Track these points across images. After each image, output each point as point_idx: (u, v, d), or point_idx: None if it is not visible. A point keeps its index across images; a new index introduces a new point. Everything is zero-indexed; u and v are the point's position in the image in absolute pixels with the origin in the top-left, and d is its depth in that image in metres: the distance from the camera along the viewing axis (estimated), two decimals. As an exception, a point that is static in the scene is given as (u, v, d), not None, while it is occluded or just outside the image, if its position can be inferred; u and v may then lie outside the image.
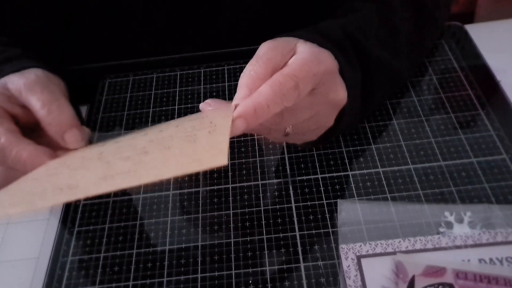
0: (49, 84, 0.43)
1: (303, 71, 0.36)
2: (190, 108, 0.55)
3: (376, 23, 0.47)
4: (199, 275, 0.41)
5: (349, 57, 0.43)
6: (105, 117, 0.55)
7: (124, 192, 0.48)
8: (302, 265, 0.41)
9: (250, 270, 0.41)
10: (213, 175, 0.48)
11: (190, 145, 0.34)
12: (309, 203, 0.45)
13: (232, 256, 0.42)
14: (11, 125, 0.40)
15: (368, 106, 0.47)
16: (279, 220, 0.44)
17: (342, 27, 0.45)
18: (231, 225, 0.44)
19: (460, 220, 0.42)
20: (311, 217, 0.44)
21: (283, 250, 0.42)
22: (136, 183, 0.31)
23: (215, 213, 0.45)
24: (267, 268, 0.41)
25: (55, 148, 0.39)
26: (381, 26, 0.48)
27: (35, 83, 0.42)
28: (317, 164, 0.48)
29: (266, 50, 0.38)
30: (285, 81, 0.35)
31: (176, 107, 0.55)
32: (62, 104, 0.41)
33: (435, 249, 0.40)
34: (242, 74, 0.37)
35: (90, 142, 0.43)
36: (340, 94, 0.41)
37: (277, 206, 0.45)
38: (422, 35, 0.52)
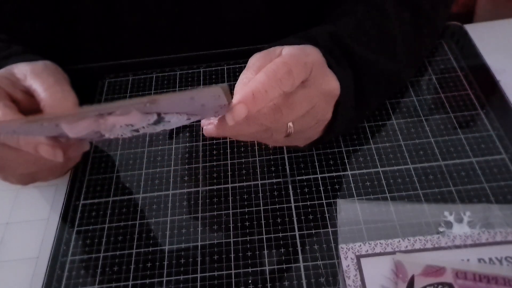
0: (56, 73, 0.43)
1: (293, 59, 0.38)
2: (189, 108, 0.55)
3: (368, 27, 0.48)
4: (198, 275, 0.41)
5: (338, 60, 0.44)
6: (105, 117, 0.55)
7: (124, 192, 0.48)
8: (301, 264, 0.41)
9: (250, 270, 0.41)
10: (212, 175, 0.48)
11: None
12: (308, 203, 0.45)
13: (232, 256, 0.42)
14: (8, 102, 0.40)
15: (364, 107, 0.47)
16: (279, 220, 0.44)
17: (329, 33, 0.46)
18: (231, 225, 0.44)
19: (459, 220, 0.42)
20: (311, 217, 0.44)
21: (282, 250, 0.42)
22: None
23: (215, 213, 0.45)
24: (267, 268, 0.41)
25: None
26: (373, 30, 0.48)
27: (43, 70, 0.42)
28: (316, 164, 0.48)
29: (255, 59, 0.40)
30: (278, 67, 0.36)
31: (176, 107, 0.55)
32: (66, 90, 0.41)
33: (434, 248, 0.40)
34: (236, 84, 0.39)
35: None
36: (332, 83, 0.42)
37: (277, 206, 0.45)
38: (420, 37, 0.52)
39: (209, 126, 0.38)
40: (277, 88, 0.36)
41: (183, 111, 0.36)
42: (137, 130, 0.37)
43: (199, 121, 0.40)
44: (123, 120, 0.34)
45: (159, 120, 0.36)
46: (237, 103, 0.35)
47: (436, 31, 0.55)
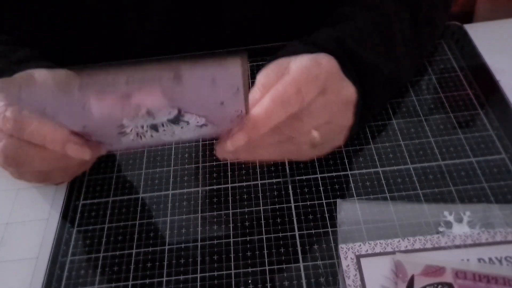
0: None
1: (303, 74, 0.37)
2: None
3: (371, 31, 0.48)
4: (198, 275, 0.41)
5: (345, 66, 0.43)
6: (105, 117, 0.55)
7: (124, 192, 0.48)
8: (301, 264, 0.41)
9: (250, 270, 0.41)
10: (212, 175, 0.48)
11: None
12: (308, 202, 0.45)
13: (232, 256, 0.42)
14: None
15: (368, 112, 0.47)
16: (279, 220, 0.44)
17: (335, 38, 0.45)
18: (231, 225, 0.44)
19: (459, 220, 0.42)
20: (311, 216, 0.44)
21: (282, 250, 0.42)
22: None
23: (215, 213, 0.45)
24: (267, 268, 0.41)
25: None
26: (376, 33, 0.48)
27: (65, 79, 0.41)
28: (316, 164, 0.48)
29: (262, 77, 0.39)
30: (285, 89, 0.36)
31: (176, 107, 0.55)
32: None
33: (434, 248, 0.40)
34: None
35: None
36: (349, 89, 0.42)
37: (277, 206, 0.45)
38: (420, 39, 0.52)
39: (223, 146, 0.38)
40: (283, 112, 0.36)
41: (202, 113, 0.36)
42: (155, 128, 0.37)
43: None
44: (146, 101, 0.34)
45: (178, 117, 0.36)
46: (237, 132, 0.35)
47: (436, 31, 0.55)
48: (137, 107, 0.34)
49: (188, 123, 0.37)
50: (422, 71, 0.56)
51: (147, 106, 0.35)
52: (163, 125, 0.37)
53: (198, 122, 0.37)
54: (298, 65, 0.39)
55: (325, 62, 0.40)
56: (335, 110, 0.40)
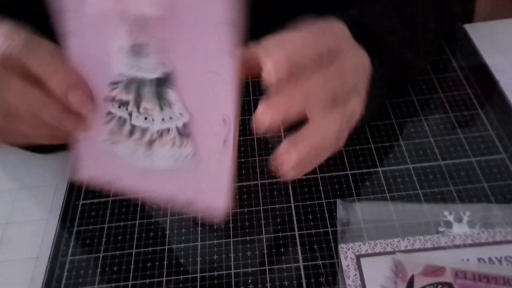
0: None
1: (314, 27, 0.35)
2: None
3: (393, 15, 0.45)
4: (198, 275, 0.41)
5: (362, 42, 0.40)
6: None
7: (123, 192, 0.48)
8: (301, 264, 0.41)
9: (250, 270, 0.41)
10: (212, 175, 0.48)
11: None
12: (308, 202, 0.45)
13: (232, 256, 0.42)
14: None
15: (381, 96, 0.45)
16: (279, 220, 0.44)
17: (355, 18, 0.43)
18: (231, 225, 0.44)
19: (459, 220, 0.42)
20: (311, 216, 0.44)
21: (282, 249, 0.42)
22: None
23: (215, 213, 0.45)
24: (267, 268, 0.41)
25: None
26: (398, 18, 0.46)
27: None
28: (316, 163, 0.48)
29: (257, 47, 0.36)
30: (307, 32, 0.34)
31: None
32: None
33: (434, 248, 0.40)
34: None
35: None
36: (365, 57, 0.39)
37: (277, 206, 0.45)
38: (440, 28, 0.50)
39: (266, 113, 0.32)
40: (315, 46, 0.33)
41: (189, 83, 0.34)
42: (138, 105, 0.35)
43: None
44: None
45: (165, 82, 0.34)
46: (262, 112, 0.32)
47: (453, 19, 0.54)
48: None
49: (171, 106, 0.35)
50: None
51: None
52: (147, 99, 0.35)
53: (181, 114, 0.35)
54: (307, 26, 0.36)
55: (337, 26, 0.37)
56: (357, 72, 0.37)
